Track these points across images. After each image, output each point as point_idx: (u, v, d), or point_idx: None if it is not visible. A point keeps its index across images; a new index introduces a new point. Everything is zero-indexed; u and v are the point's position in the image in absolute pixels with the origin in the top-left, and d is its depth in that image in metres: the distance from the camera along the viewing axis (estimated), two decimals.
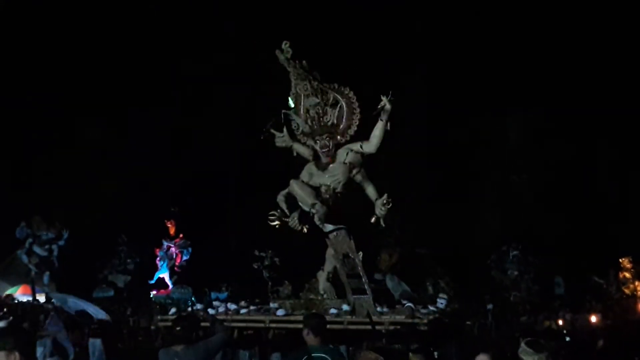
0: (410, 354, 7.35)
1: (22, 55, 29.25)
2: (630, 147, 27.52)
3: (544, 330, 15.39)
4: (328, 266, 15.58)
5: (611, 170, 27.98)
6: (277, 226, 15.56)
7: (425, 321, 12.77)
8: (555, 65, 28.49)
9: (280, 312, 14.91)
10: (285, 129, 15.97)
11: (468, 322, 16.17)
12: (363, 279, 14.18)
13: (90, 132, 29.96)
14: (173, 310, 16.63)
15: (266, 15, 27.74)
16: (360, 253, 14.57)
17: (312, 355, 8.34)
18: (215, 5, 29.50)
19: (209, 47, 29.32)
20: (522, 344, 6.52)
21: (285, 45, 15.40)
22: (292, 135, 16.15)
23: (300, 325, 14.11)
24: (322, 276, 15.64)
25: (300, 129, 16.07)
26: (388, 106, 14.50)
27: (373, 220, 15.08)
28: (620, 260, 25.19)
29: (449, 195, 27.94)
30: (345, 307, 14.10)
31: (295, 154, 16.09)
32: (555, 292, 25.48)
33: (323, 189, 15.13)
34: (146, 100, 29.80)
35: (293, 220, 15.21)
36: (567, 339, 11.62)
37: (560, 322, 17.05)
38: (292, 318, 14.63)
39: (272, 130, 15.93)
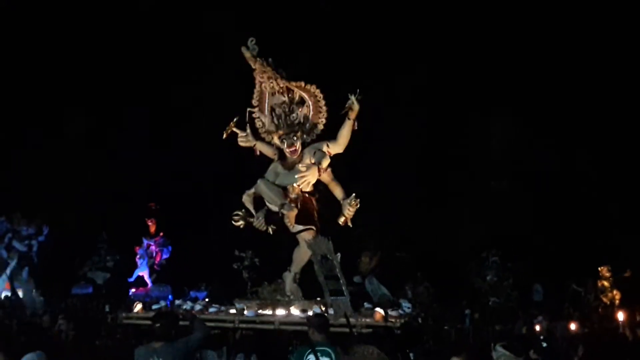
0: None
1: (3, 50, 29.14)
2: (610, 154, 27.69)
3: (521, 336, 15.45)
4: (295, 267, 15.60)
5: (592, 178, 28.12)
6: (241, 226, 15.58)
7: (397, 324, 12.81)
8: (537, 71, 28.59)
9: (250, 313, 14.93)
10: (248, 128, 15.92)
11: (445, 327, 16.27)
12: (341, 281, 14.18)
13: (72, 128, 29.89)
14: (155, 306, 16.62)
15: (237, 11, 27.73)
16: (339, 254, 14.56)
17: (316, 348, 8.46)
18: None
19: (187, 47, 29.31)
20: (498, 347, 6.56)
21: (251, 42, 15.36)
22: (256, 134, 16.11)
23: (267, 326, 14.19)
24: (288, 277, 15.67)
25: (265, 127, 16.05)
26: (356, 105, 14.52)
27: (341, 221, 15.11)
28: (599, 268, 25.30)
29: (430, 200, 28.01)
30: (317, 309, 14.10)
31: (258, 153, 16.05)
32: (533, 298, 25.59)
33: (290, 189, 15.13)
34: (127, 98, 29.76)
35: (258, 221, 15.23)
36: (544, 344, 11.65)
37: (538, 328, 17.12)
38: (257, 319, 14.67)
39: (235, 129, 15.90)
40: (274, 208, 15.05)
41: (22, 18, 29.54)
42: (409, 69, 28.16)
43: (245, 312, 15.05)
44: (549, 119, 28.39)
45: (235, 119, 15.91)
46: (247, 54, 15.40)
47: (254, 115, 16.13)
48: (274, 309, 15.00)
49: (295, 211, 14.84)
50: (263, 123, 16.06)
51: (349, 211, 14.89)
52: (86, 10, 29.72)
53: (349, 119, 14.78)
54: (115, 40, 29.78)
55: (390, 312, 14.15)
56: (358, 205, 14.89)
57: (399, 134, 27.70)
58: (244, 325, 14.66)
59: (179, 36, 29.42)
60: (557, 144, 28.29)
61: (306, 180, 14.90)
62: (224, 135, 15.99)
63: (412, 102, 27.95)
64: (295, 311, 14.64)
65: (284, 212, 14.79)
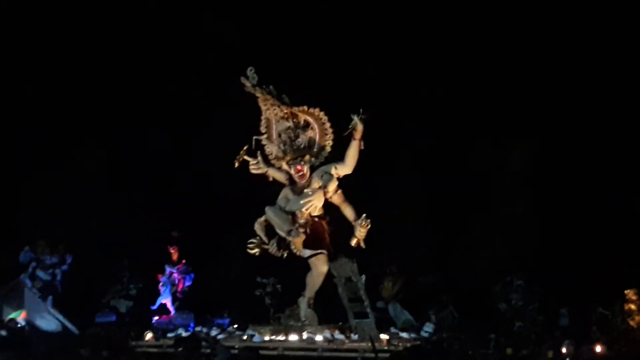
0: None
1: (24, 78, 29.28)
2: (638, 175, 27.40)
3: None
4: (309, 292, 15.53)
5: (617, 202, 27.84)
6: (256, 254, 15.57)
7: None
8: (558, 88, 28.39)
9: (257, 339, 14.86)
10: (259, 155, 15.97)
11: (470, 352, 16.13)
12: (365, 303, 14.11)
13: (93, 156, 29.98)
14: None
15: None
16: (363, 276, 14.52)
17: None
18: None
19: (205, 66, 29.35)
20: None
21: (250, 71, 15.41)
22: (267, 161, 16.16)
23: (270, 352, 14.08)
24: (303, 302, 15.59)
25: (274, 154, 16.08)
26: (359, 125, 14.49)
27: (353, 243, 15.06)
28: (626, 292, 24.96)
29: (454, 224, 27.80)
30: (327, 334, 14.01)
31: (270, 179, 16.09)
32: (560, 323, 25.29)
33: (298, 214, 15.09)
34: (146, 123, 29.82)
35: (272, 247, 15.23)
36: None
37: (564, 350, 16.94)
38: (265, 345, 14.57)
39: (246, 157, 15.94)
40: (283, 234, 15.06)
41: (41, 42, 29.70)
42: (428, 85, 28.05)
43: (255, 338, 15.00)
44: (575, 139, 28.16)
45: (245, 147, 15.98)
46: (247, 84, 15.45)
47: (262, 142, 16.19)
48: (287, 335, 14.94)
49: (302, 237, 14.82)
50: (271, 150, 16.11)
51: (360, 232, 14.90)
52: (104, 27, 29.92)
53: (354, 139, 14.78)
54: (133, 66, 29.86)
55: (405, 336, 14.07)
56: (369, 226, 14.86)
57: (421, 155, 27.56)
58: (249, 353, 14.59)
59: (193, 59, 29.51)
60: (583, 164, 28.06)
61: (312, 204, 14.92)
62: (236, 164, 16.06)
63: (433, 122, 27.81)
64: (307, 336, 14.54)
65: (290, 238, 14.77)
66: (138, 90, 29.80)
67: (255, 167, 16.31)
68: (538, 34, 28.43)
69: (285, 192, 15.72)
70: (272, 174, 16.25)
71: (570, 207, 28.04)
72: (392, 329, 15.28)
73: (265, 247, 15.66)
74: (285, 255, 15.69)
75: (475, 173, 28.62)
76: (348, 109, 15.15)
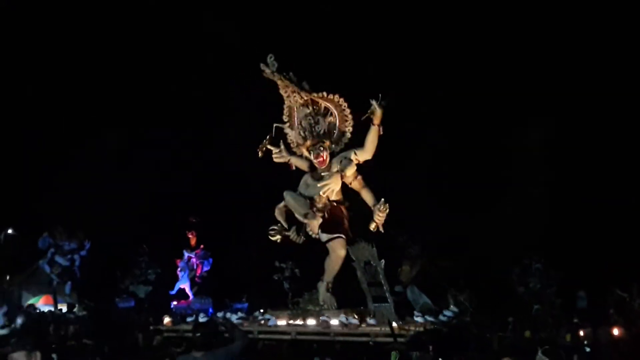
0: None
1: (46, 65, 29.41)
2: None
3: (565, 344, 15.25)
4: (327, 276, 15.53)
5: (635, 186, 27.75)
6: (278, 241, 15.57)
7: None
8: (581, 76, 28.29)
9: (272, 322, 14.90)
10: (282, 144, 15.98)
11: (488, 335, 16.13)
12: (384, 287, 14.12)
13: (112, 141, 30.10)
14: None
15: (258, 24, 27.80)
16: (383, 261, 14.52)
17: None
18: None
19: (227, 55, 29.36)
20: (539, 353, 6.50)
21: (270, 59, 15.38)
22: (289, 149, 16.15)
23: (284, 337, 14.09)
24: (321, 286, 15.60)
25: (294, 141, 16.07)
26: (378, 110, 14.44)
27: (372, 227, 15.01)
28: None
29: (472, 207, 27.79)
30: (344, 319, 14.04)
31: (293, 168, 16.09)
32: (577, 305, 25.26)
33: (317, 198, 15.08)
34: (165, 111, 29.91)
35: (293, 233, 15.22)
36: (587, 349, 11.51)
37: (582, 333, 16.90)
38: (281, 329, 14.63)
39: (269, 146, 15.95)
40: (300, 218, 15.07)
41: (53, 41, 29.81)
42: (449, 72, 28.03)
43: (270, 322, 15.05)
44: (592, 123, 28.07)
45: (268, 136, 15.98)
46: (267, 71, 15.44)
47: (284, 130, 16.19)
48: (304, 319, 14.97)
49: (318, 220, 14.80)
50: (292, 137, 16.12)
51: (378, 217, 14.83)
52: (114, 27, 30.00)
53: (373, 124, 14.74)
54: (150, 57, 29.96)
55: (422, 320, 14.07)
56: (387, 210, 14.81)
57: (440, 141, 27.54)
58: (262, 336, 14.66)
59: (210, 48, 29.54)
60: (601, 148, 27.99)
61: (329, 188, 14.91)
62: (259, 154, 16.07)
63: (453, 108, 27.79)
64: (321, 320, 14.57)
65: (306, 221, 14.78)
66: (158, 76, 29.90)
67: (278, 155, 16.34)
68: (547, 31, 28.45)
69: (305, 177, 15.73)
70: (295, 162, 16.25)
71: (588, 191, 27.99)
72: (415, 314, 15.26)
73: (286, 233, 15.66)
74: (303, 240, 15.70)
75: (494, 158, 28.59)
76: (367, 94, 15.17)
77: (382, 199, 14.89)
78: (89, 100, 29.78)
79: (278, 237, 15.58)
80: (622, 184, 27.61)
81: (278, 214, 15.70)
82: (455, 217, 27.28)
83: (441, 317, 14.79)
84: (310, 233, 15.24)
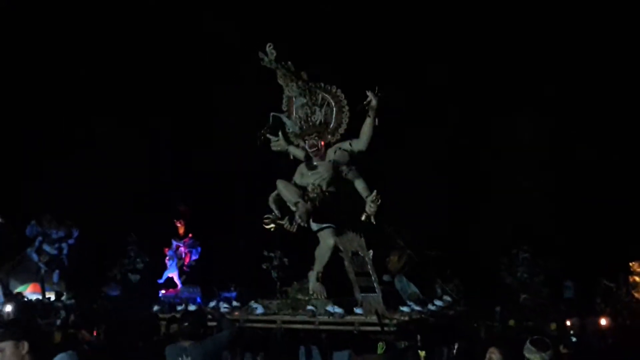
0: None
1: (33, 50, 29.33)
2: None
3: (549, 334, 15.32)
4: (317, 266, 15.55)
5: (622, 173, 27.87)
6: (272, 229, 15.57)
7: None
8: (567, 65, 28.41)
9: (259, 311, 14.93)
10: (280, 133, 16.00)
11: (475, 324, 16.21)
12: (372, 277, 14.15)
13: (101, 130, 30.07)
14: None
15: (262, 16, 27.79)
16: (371, 251, 14.55)
17: None
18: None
19: (216, 47, 29.35)
20: (527, 343, 6.56)
21: (269, 47, 15.43)
22: (288, 139, 16.18)
23: (271, 325, 14.11)
24: (312, 276, 15.63)
25: (291, 130, 16.10)
26: (374, 102, 14.48)
27: (363, 217, 15.05)
28: (631, 264, 25.04)
29: (460, 197, 27.90)
30: (330, 308, 14.07)
31: (292, 157, 16.12)
32: (564, 295, 25.40)
33: (310, 187, 15.12)
34: (154, 100, 29.86)
35: (287, 222, 15.24)
36: (574, 339, 11.60)
37: (568, 323, 17.02)
38: (268, 318, 14.66)
39: (268, 135, 15.98)
40: (291, 207, 15.10)
41: (51, 32, 29.73)
42: (436, 66, 28.08)
43: (257, 310, 15.07)
44: (579, 114, 28.19)
45: (267, 126, 16.00)
46: (265, 59, 15.48)
47: (283, 120, 16.21)
48: (293, 308, 15.00)
49: (309, 210, 14.81)
50: (289, 127, 16.13)
51: (370, 208, 14.84)
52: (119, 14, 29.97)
53: (369, 116, 14.78)
54: (140, 44, 29.89)
55: (409, 310, 14.09)
56: (379, 202, 14.83)
57: (428, 131, 27.59)
58: (249, 325, 14.68)
59: (205, 39, 29.50)
60: (588, 138, 28.11)
61: (321, 177, 14.94)
62: (258, 142, 16.09)
63: (440, 99, 27.85)
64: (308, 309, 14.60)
65: (296, 210, 14.80)
66: (148, 63, 29.86)
67: (277, 144, 16.37)
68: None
69: (301, 167, 15.74)
70: (292, 151, 16.25)
71: (575, 181, 28.11)
72: (408, 303, 15.30)
73: (280, 222, 15.68)
74: (294, 229, 15.72)
75: (481, 149, 28.69)
76: (365, 86, 15.19)
77: (375, 191, 14.92)
78: (78, 88, 29.70)
79: (272, 226, 15.58)
80: (609, 175, 27.75)
81: (272, 203, 15.70)
82: (443, 207, 27.39)
83: (430, 307, 14.80)
84: (300, 222, 15.24)
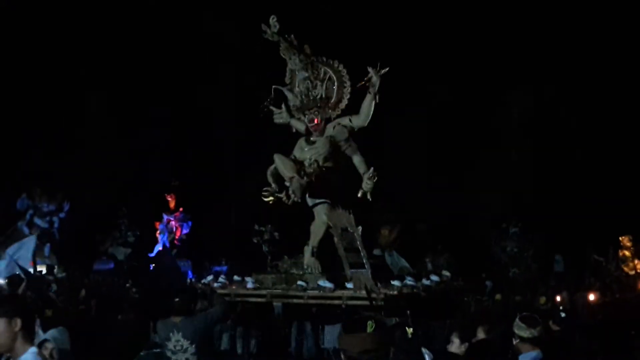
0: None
1: (22, 30, 29.20)
2: (631, 125, 27.49)
3: (538, 309, 15.38)
4: (313, 241, 15.56)
5: (612, 148, 27.96)
6: (270, 202, 15.58)
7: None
8: (553, 44, 28.44)
9: (250, 285, 14.96)
10: (283, 106, 15.99)
11: (466, 298, 16.27)
12: (362, 253, 14.16)
13: (91, 105, 30.02)
14: None
15: None
16: (360, 227, 14.54)
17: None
18: None
19: (207, 23, 29.27)
20: (517, 319, 6.59)
21: (272, 20, 15.35)
22: (290, 112, 16.16)
23: (260, 299, 14.12)
24: (307, 251, 15.65)
25: (292, 104, 16.08)
26: (375, 78, 14.47)
27: (360, 194, 15.07)
28: (620, 238, 25.14)
29: (450, 172, 27.94)
30: (322, 282, 14.12)
31: (294, 131, 16.09)
32: (554, 269, 25.52)
33: (307, 162, 15.11)
34: (146, 74, 29.75)
35: (285, 195, 15.27)
36: (563, 315, 11.63)
37: (558, 299, 17.07)
38: (259, 292, 14.68)
39: (271, 107, 15.96)
40: (286, 182, 15.11)
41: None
42: (426, 43, 28.07)
43: (248, 284, 15.10)
44: (568, 89, 28.22)
45: (269, 98, 15.97)
46: (268, 32, 15.41)
47: (285, 93, 16.18)
48: (287, 282, 15.03)
49: (303, 184, 14.81)
50: (290, 100, 16.12)
51: (367, 184, 14.85)
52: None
53: (369, 92, 14.77)
54: (132, 26, 29.77)
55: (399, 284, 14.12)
56: (376, 179, 14.84)
57: (418, 106, 27.59)
58: (239, 299, 14.70)
59: (204, 13, 29.44)
60: (578, 112, 28.17)
61: (317, 152, 14.94)
62: (261, 114, 16.08)
63: (429, 75, 27.81)
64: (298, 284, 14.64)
65: (290, 185, 14.80)
66: (142, 40, 29.73)
67: (279, 117, 16.35)
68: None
69: (300, 141, 15.68)
70: (294, 124, 16.21)
71: (565, 155, 28.20)
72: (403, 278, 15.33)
73: (279, 195, 15.68)
74: (289, 202, 15.74)
75: (470, 122, 28.71)
76: (366, 62, 15.16)
77: (372, 168, 14.93)
78: (69, 63, 29.56)
79: (271, 199, 15.60)
80: (599, 151, 27.83)
81: (269, 176, 15.68)
82: (433, 182, 27.45)
83: (425, 282, 14.83)
84: (293, 197, 15.24)
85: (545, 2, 28.55)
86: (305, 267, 15.42)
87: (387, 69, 14.61)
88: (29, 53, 29.02)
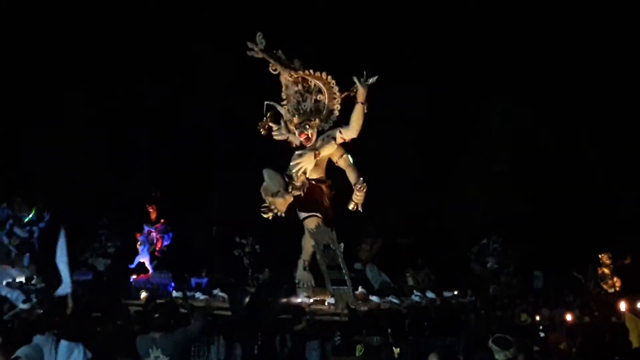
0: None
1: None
2: (612, 140, 27.66)
3: (519, 325, 15.44)
4: (304, 254, 15.60)
5: (592, 165, 28.11)
6: (269, 218, 15.62)
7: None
8: (540, 53, 28.58)
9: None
10: (282, 121, 16.06)
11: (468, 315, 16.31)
12: (343, 270, 14.17)
13: (72, 113, 29.89)
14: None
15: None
16: (342, 244, 14.55)
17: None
18: None
19: (190, 28, 29.24)
20: (490, 342, 6.60)
21: (258, 37, 15.36)
22: (287, 127, 16.22)
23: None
24: (300, 264, 15.68)
25: (285, 118, 16.13)
26: (360, 88, 14.52)
27: (350, 206, 15.10)
28: (600, 255, 25.25)
29: (430, 186, 28.02)
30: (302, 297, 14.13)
31: (294, 146, 16.16)
32: (534, 285, 25.59)
33: (294, 176, 15.16)
34: (127, 81, 29.67)
35: (267, 209, 15.30)
36: (542, 334, 11.70)
37: (538, 318, 17.14)
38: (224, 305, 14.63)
39: (270, 124, 16.01)
40: (267, 197, 15.13)
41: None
42: (410, 50, 28.14)
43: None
44: (552, 102, 28.38)
45: (269, 114, 16.03)
46: (255, 49, 15.41)
47: (278, 108, 16.24)
48: None
49: (286, 200, 14.84)
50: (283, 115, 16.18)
51: (356, 196, 14.92)
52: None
53: (357, 102, 14.84)
54: (116, 26, 29.69)
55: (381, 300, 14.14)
56: (365, 189, 14.91)
57: (398, 117, 27.62)
58: (217, 312, 14.65)
59: (191, 20, 29.41)
60: (559, 127, 28.32)
61: (300, 166, 14.98)
62: (263, 132, 16.14)
63: (411, 85, 27.84)
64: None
65: (270, 200, 14.84)
66: (129, 42, 29.63)
67: (278, 133, 16.38)
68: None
69: (294, 155, 15.76)
70: (293, 139, 16.28)
71: (545, 171, 28.33)
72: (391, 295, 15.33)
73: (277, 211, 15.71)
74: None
75: (451, 137, 28.81)
76: (355, 72, 15.23)
77: (361, 178, 14.99)
78: (49, 65, 29.42)
79: (269, 215, 15.65)
80: (579, 166, 27.99)
81: (262, 192, 15.71)
82: (414, 196, 27.50)
83: (414, 298, 14.85)
84: (275, 211, 15.28)
85: (529, 12, 28.71)
86: (296, 280, 15.45)
87: (376, 77, 14.69)
88: (8, 63, 28.88)
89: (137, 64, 29.57)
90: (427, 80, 28.39)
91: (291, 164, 15.49)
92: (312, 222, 15.11)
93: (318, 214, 15.21)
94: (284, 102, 16.38)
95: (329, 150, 15.46)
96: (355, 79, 14.70)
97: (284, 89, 16.36)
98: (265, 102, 16.27)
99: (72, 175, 28.26)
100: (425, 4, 28.83)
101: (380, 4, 28.86)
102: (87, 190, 28.46)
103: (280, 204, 15.06)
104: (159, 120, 29.95)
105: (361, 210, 15.24)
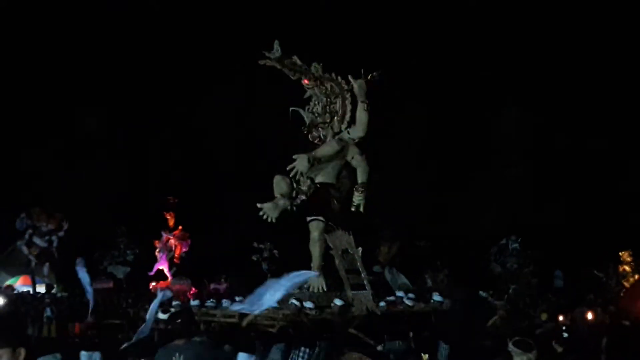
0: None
1: (22, 49, 29.26)
2: (629, 141, 27.52)
3: (541, 325, 15.26)
4: (313, 259, 15.49)
5: (611, 164, 27.98)
6: (271, 221, 15.51)
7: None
8: (556, 60, 28.51)
9: (234, 307, 14.78)
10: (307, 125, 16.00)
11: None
12: (362, 275, 14.06)
13: (90, 124, 30.03)
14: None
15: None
16: (360, 248, 14.42)
17: None
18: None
19: (207, 42, 29.32)
20: (510, 344, 6.50)
21: (275, 44, 15.27)
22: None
23: (230, 320, 13.92)
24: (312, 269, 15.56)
25: (307, 122, 16.05)
26: (355, 87, 14.37)
27: (353, 208, 14.97)
28: (620, 253, 25.09)
29: (449, 188, 27.95)
30: (296, 302, 14.01)
31: None
32: (554, 285, 25.42)
33: (300, 180, 15.04)
34: (145, 92, 29.80)
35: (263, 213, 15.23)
36: (565, 335, 11.55)
37: (561, 318, 16.96)
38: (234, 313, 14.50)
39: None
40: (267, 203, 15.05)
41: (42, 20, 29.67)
42: (427, 57, 28.11)
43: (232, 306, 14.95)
44: (570, 105, 28.28)
45: (307, 124, 15.95)
46: (271, 57, 15.30)
47: (303, 114, 16.18)
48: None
49: (280, 205, 14.74)
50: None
51: (356, 197, 14.78)
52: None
53: (359, 102, 14.76)
54: (135, 36, 29.86)
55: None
56: (364, 191, 14.76)
57: (417, 122, 27.60)
58: (223, 320, 14.54)
59: (206, 33, 29.54)
60: (577, 130, 28.20)
61: (295, 170, 14.86)
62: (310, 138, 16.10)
63: (430, 90, 27.85)
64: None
65: (262, 205, 14.76)
66: (142, 55, 29.81)
67: (311, 137, 16.36)
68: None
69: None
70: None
71: (565, 170, 28.20)
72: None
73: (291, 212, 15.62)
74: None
75: (470, 138, 28.75)
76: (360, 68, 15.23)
77: (364, 181, 14.86)
78: (67, 81, 29.65)
79: (272, 219, 15.56)
80: (599, 166, 27.84)
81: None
82: (432, 198, 27.43)
83: (435, 298, 14.69)
84: (265, 216, 15.13)
85: (539, 21, 28.66)
86: (306, 285, 15.32)
87: (376, 73, 14.53)
88: (26, 73, 29.06)
89: (152, 75, 29.72)
90: (451, 84, 28.38)
91: (287, 168, 15.39)
92: (313, 225, 14.98)
93: (321, 218, 15.05)
94: (308, 107, 16.33)
95: (326, 152, 15.26)
96: (351, 78, 14.58)
97: (307, 93, 16.32)
98: (291, 109, 16.21)
99: (91, 185, 28.39)
100: (440, 11, 28.87)
101: (399, 10, 28.94)
102: (105, 199, 28.57)
103: (269, 209, 14.87)
104: (176, 128, 30.08)
105: (362, 211, 15.09)
